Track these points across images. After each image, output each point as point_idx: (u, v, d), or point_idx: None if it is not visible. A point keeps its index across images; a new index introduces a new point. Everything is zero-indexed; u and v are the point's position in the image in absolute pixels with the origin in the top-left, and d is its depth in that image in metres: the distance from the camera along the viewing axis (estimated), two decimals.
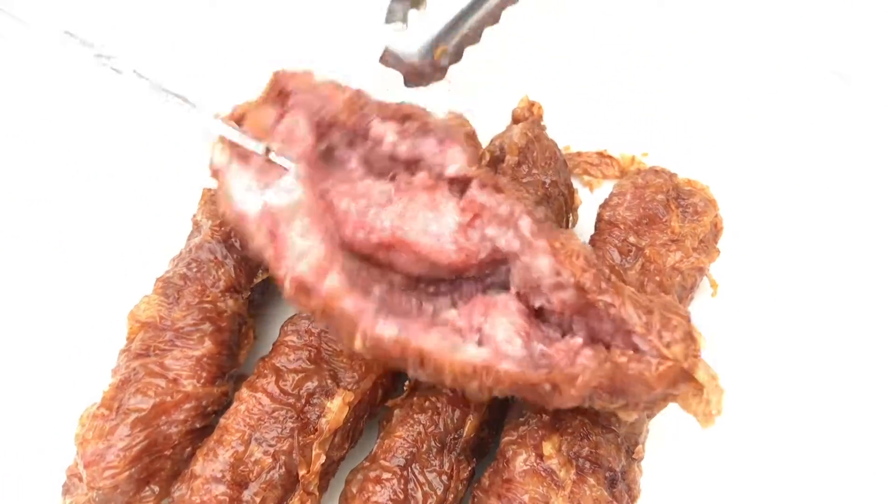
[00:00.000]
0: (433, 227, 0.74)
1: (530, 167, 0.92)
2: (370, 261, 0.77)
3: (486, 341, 0.71)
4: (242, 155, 0.74)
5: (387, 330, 0.69)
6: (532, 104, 1.01)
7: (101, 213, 1.09)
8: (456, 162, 0.76)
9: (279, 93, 0.80)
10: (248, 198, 0.72)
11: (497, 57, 1.23)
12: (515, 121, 1.01)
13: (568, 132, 1.07)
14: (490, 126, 1.04)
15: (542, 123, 1.00)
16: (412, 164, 0.79)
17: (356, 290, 0.70)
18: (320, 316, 0.71)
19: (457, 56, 0.65)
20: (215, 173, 0.75)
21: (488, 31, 1.25)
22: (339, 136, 0.81)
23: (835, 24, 1.22)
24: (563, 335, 0.71)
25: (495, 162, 0.97)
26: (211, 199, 0.95)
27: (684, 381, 0.68)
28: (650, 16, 1.27)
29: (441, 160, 0.76)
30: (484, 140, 1.03)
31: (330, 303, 0.69)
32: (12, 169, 1.14)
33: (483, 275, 0.77)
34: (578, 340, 0.70)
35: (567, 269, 0.69)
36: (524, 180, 0.92)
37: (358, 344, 0.69)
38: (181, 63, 1.21)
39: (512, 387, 0.69)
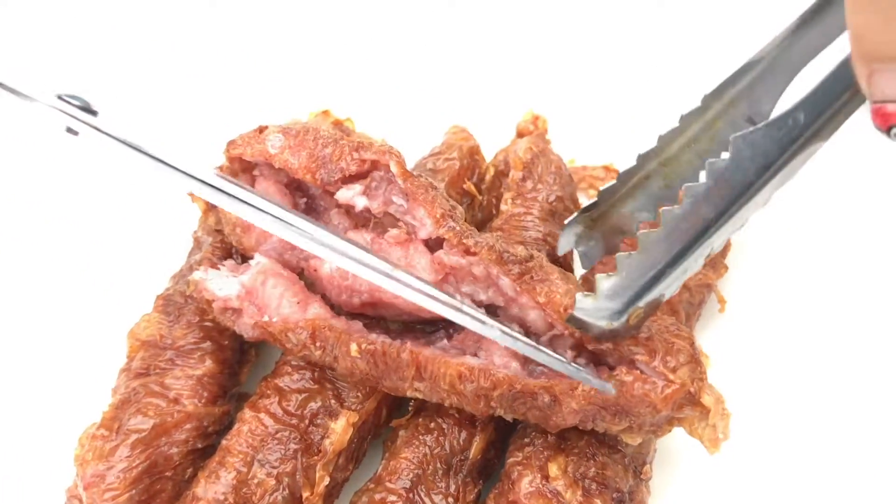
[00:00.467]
0: (411, 283, 0.74)
1: (535, 182, 0.92)
2: (363, 317, 0.78)
3: (483, 357, 0.72)
4: (213, 263, 0.85)
5: (381, 337, 0.72)
6: (536, 118, 1.00)
7: (101, 230, 1.08)
8: (424, 226, 0.74)
9: (241, 164, 0.82)
10: (226, 284, 0.79)
11: (500, 70, 1.22)
12: (520, 135, 1.00)
13: (573, 145, 1.06)
14: (494, 139, 1.04)
15: (547, 137, 0.99)
16: (388, 216, 0.78)
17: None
18: (310, 341, 0.74)
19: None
20: (198, 288, 0.80)
21: (490, 48, 1.25)
22: (313, 187, 0.82)
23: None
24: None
25: (500, 176, 0.97)
26: (209, 214, 0.94)
27: (690, 404, 0.67)
28: (655, 30, 1.27)
29: (411, 220, 0.75)
30: (487, 153, 1.03)
31: (318, 325, 0.73)
32: (11, 186, 1.13)
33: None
34: (581, 362, 0.70)
35: (559, 323, 0.69)
36: (528, 195, 0.91)
37: (354, 350, 0.71)
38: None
39: (510, 393, 0.68)
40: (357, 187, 0.77)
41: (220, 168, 0.85)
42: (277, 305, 0.76)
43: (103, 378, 0.86)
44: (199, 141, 1.02)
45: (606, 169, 1.06)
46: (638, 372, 0.67)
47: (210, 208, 0.91)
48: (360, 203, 0.77)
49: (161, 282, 0.92)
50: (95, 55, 1.29)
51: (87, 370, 0.94)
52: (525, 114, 1.01)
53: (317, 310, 0.75)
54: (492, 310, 0.74)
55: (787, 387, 0.91)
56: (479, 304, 0.72)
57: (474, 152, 0.97)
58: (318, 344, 0.73)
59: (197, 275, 0.81)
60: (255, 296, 0.77)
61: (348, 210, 0.80)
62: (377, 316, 0.78)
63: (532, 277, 0.70)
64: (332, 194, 0.79)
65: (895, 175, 1.08)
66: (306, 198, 0.84)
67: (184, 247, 0.95)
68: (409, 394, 0.72)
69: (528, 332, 0.72)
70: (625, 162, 1.07)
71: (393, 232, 0.75)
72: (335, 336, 0.71)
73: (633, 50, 1.24)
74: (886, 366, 0.92)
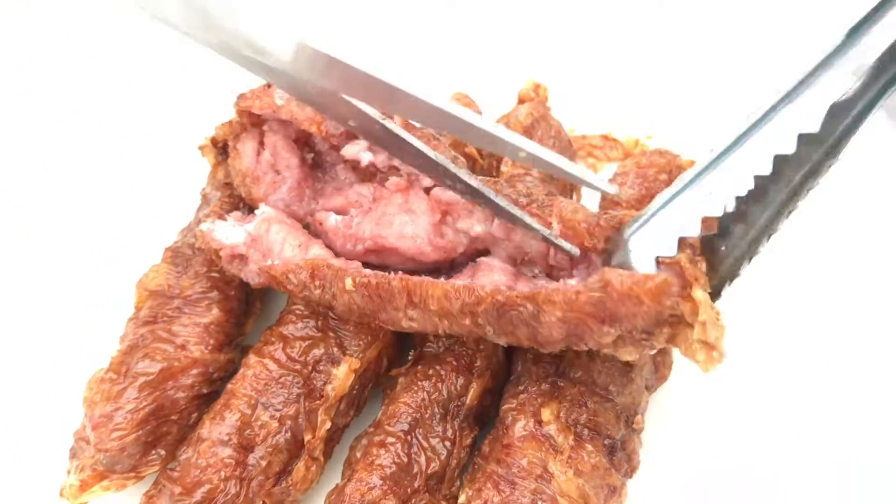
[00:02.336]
0: (408, 229, 0.77)
1: None
2: (368, 266, 0.80)
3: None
4: (221, 215, 0.88)
5: (375, 272, 0.74)
6: (538, 86, 1.02)
7: (112, 186, 1.11)
8: None
9: (250, 118, 0.84)
10: (232, 233, 0.82)
11: (502, 41, 1.24)
12: (521, 101, 1.02)
13: (572, 115, 1.08)
14: (496, 107, 1.06)
15: (548, 105, 1.01)
16: (393, 170, 0.81)
17: None
18: (309, 280, 0.76)
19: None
20: (205, 239, 0.83)
21: (493, 16, 1.27)
22: (320, 141, 0.84)
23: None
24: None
25: None
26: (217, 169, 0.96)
27: (680, 296, 0.63)
28: (655, 7, 1.28)
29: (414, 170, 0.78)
30: None
31: (317, 264, 0.75)
32: (23, 137, 1.15)
33: (473, 257, 0.79)
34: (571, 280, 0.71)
35: (573, 239, 0.69)
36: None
37: (349, 284, 0.73)
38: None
39: (494, 308, 0.67)
40: (362, 143, 0.79)
41: (230, 123, 0.87)
42: (280, 250, 0.78)
43: (110, 327, 0.89)
44: (201, 107, 1.04)
45: (605, 138, 1.08)
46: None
47: (219, 163, 0.93)
48: (366, 158, 0.79)
49: (167, 238, 0.94)
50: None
51: (95, 320, 0.96)
52: (526, 82, 1.03)
53: (317, 251, 0.78)
54: (484, 251, 0.76)
55: (779, 353, 0.93)
56: (473, 241, 0.75)
57: None
58: (316, 283, 0.75)
59: (204, 226, 0.84)
60: (260, 242, 0.80)
61: (354, 165, 0.83)
62: (381, 264, 0.80)
63: (540, 204, 0.72)
64: (339, 149, 0.81)
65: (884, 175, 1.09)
66: (313, 153, 0.86)
67: (192, 203, 0.97)
68: (404, 325, 0.74)
69: (522, 262, 0.74)
70: (623, 132, 1.11)
71: (394, 179, 0.77)
72: (333, 273, 0.74)
73: (633, 22, 1.26)
74: (872, 339, 0.94)
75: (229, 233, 0.81)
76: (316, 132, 0.79)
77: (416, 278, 0.71)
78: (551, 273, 0.73)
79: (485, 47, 1.23)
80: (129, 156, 1.11)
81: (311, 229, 0.84)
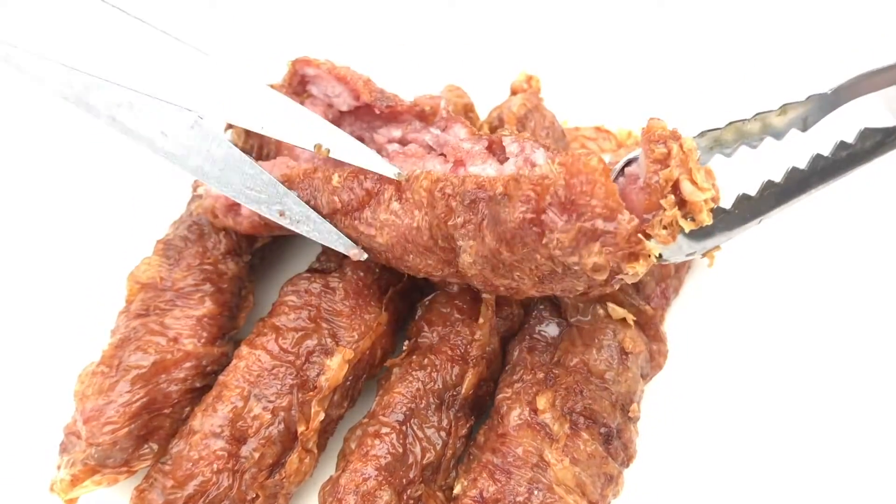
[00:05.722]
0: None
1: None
2: None
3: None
4: None
5: None
6: (530, 77, 1.02)
7: (102, 178, 1.10)
8: (458, 135, 0.78)
9: (299, 81, 0.85)
10: None
11: (495, 32, 1.24)
12: (514, 92, 1.02)
13: (565, 107, 1.08)
14: (488, 100, 1.06)
15: (540, 96, 1.01)
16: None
17: None
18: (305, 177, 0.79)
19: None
20: (202, 203, 0.87)
21: (486, 8, 1.27)
22: (349, 130, 0.85)
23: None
24: None
25: (493, 132, 0.98)
26: None
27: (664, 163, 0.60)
28: (648, 2, 1.29)
29: (446, 137, 0.79)
30: (482, 113, 1.05)
31: (308, 170, 0.79)
32: (12, 129, 1.15)
33: None
34: None
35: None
36: None
37: (336, 180, 0.76)
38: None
39: (468, 193, 0.67)
40: (396, 133, 0.82)
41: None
42: (272, 168, 0.82)
43: (101, 323, 0.88)
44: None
45: (598, 130, 1.08)
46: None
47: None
48: (394, 146, 0.82)
49: (157, 231, 0.93)
50: None
51: (84, 314, 0.96)
52: (519, 74, 1.03)
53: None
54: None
55: (776, 337, 0.93)
56: None
57: (468, 109, 0.99)
58: (316, 178, 0.78)
59: (200, 190, 0.87)
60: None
61: (380, 149, 0.84)
62: None
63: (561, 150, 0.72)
64: (372, 133, 0.84)
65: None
66: None
67: (183, 196, 0.97)
68: (375, 226, 0.75)
69: None
70: (616, 123, 1.11)
71: (412, 146, 0.80)
72: (323, 175, 0.76)
73: (625, 14, 1.26)
74: (870, 326, 0.94)
75: None
76: (367, 98, 0.82)
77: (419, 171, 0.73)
78: None
79: (477, 39, 1.23)
80: (120, 148, 1.10)
81: None
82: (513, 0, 1.28)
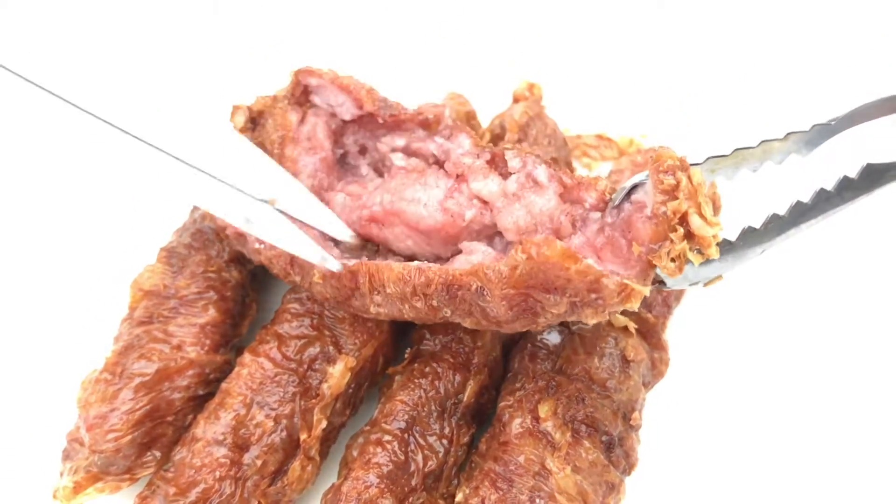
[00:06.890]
0: (419, 195, 0.77)
1: (531, 144, 0.94)
2: (368, 240, 0.81)
3: None
4: None
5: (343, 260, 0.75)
6: (532, 85, 1.02)
7: (105, 185, 1.10)
8: (462, 146, 0.78)
9: (302, 91, 0.85)
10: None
11: (497, 40, 1.25)
12: (516, 100, 1.02)
13: (567, 114, 1.09)
14: (490, 108, 1.06)
15: (542, 104, 1.02)
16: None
17: None
18: (290, 267, 0.78)
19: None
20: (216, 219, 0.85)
21: (488, 16, 1.28)
22: (352, 142, 0.86)
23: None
24: None
25: (496, 140, 0.99)
26: None
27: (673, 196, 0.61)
28: (650, 8, 1.29)
29: (449, 146, 0.79)
30: (484, 121, 1.05)
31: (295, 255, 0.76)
32: (16, 135, 1.15)
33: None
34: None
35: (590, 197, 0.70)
36: None
37: (317, 276, 0.75)
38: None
39: (443, 287, 0.67)
40: (400, 142, 0.82)
41: (273, 97, 0.88)
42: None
43: (103, 330, 0.88)
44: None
45: (599, 137, 1.08)
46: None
47: (244, 129, 0.92)
48: (398, 160, 0.82)
49: (163, 237, 0.93)
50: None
51: (86, 321, 0.96)
52: (521, 82, 1.03)
53: None
54: (492, 229, 0.76)
55: (777, 342, 0.93)
56: (482, 216, 0.75)
57: (471, 117, 1.00)
58: (295, 269, 0.77)
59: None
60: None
61: (376, 165, 0.85)
62: (381, 239, 0.80)
63: (564, 168, 0.73)
64: (376, 142, 0.84)
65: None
66: (343, 151, 0.87)
67: (186, 205, 0.97)
68: (373, 310, 0.74)
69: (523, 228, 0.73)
70: (616, 130, 1.11)
71: (412, 160, 0.80)
72: (307, 263, 0.75)
73: (627, 22, 1.26)
74: (871, 325, 0.94)
75: None
76: (370, 108, 0.81)
77: (376, 263, 0.71)
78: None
79: (480, 47, 1.24)
80: (123, 156, 1.11)
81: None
82: (515, 8, 1.28)
